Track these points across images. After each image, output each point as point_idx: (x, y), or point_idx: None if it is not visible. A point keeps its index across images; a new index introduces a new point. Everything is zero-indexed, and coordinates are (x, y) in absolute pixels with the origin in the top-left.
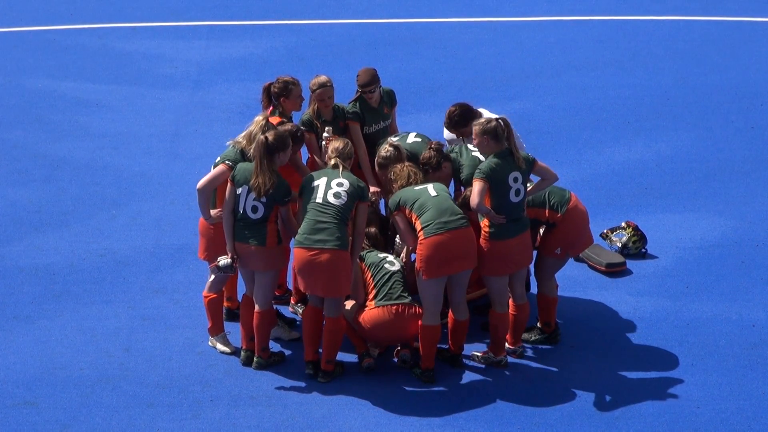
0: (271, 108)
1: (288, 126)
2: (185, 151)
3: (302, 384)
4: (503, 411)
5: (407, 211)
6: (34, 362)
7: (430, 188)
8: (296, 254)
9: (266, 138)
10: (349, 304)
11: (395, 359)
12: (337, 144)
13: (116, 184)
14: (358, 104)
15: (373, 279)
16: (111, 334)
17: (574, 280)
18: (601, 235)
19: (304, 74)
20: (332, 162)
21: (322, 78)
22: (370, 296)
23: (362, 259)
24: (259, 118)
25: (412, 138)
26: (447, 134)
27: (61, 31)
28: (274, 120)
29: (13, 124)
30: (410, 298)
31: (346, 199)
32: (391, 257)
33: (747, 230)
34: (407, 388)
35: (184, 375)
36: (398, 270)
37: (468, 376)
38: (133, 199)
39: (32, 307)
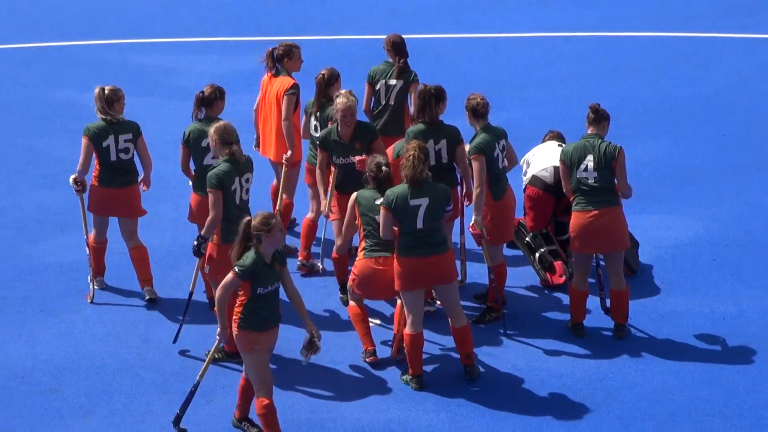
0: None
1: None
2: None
3: (306, 372)
4: (492, 396)
5: (391, 216)
6: (59, 352)
7: (424, 208)
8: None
9: (103, 89)
10: (338, 241)
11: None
12: (219, 125)
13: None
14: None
15: (364, 228)
16: (130, 326)
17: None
18: None
19: (308, 87)
20: (229, 153)
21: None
22: (361, 246)
23: (357, 202)
24: (96, 92)
25: None
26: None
27: (84, 46)
28: (287, 80)
29: (39, 133)
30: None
31: (250, 189)
32: None
33: (718, 231)
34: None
35: (198, 364)
36: None
37: (458, 365)
38: (151, 202)
39: (57, 302)
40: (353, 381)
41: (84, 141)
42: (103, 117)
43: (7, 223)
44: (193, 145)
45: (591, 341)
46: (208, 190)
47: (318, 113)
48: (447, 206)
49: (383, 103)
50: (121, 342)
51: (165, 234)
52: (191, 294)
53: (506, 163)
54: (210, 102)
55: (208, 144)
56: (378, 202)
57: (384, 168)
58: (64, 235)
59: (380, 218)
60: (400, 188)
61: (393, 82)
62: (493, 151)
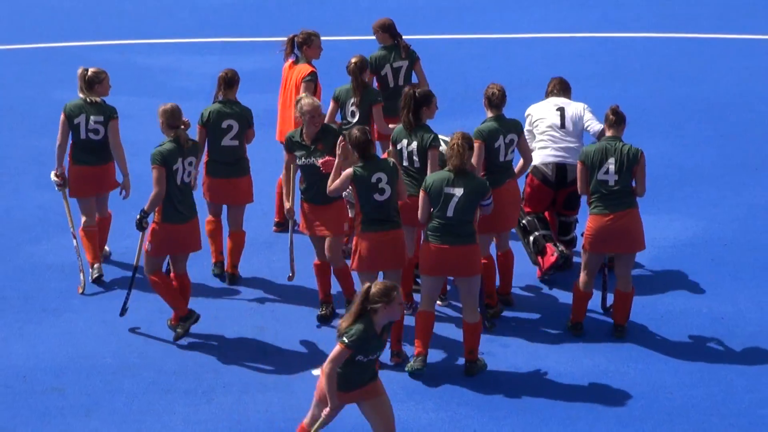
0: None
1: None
2: None
3: (307, 372)
4: (492, 395)
5: (428, 200)
6: (61, 351)
7: (457, 199)
8: (169, 228)
9: (86, 70)
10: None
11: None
12: (166, 107)
13: (136, 188)
14: None
15: (361, 206)
16: (131, 326)
17: (555, 274)
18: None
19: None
20: (174, 135)
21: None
22: (358, 220)
23: (354, 180)
24: (79, 71)
25: None
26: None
27: (86, 46)
28: (305, 68)
29: (41, 133)
30: (393, 221)
31: (194, 171)
32: (384, 180)
33: (716, 230)
34: (403, 375)
35: (199, 363)
36: (387, 198)
37: (457, 365)
38: None
39: (59, 301)
40: None
41: (61, 117)
42: (82, 96)
43: (9, 222)
44: (213, 126)
45: (589, 340)
46: (152, 167)
47: (359, 100)
48: (484, 201)
49: (391, 86)
50: (122, 341)
51: None
52: (135, 268)
53: (511, 158)
54: (231, 83)
55: (228, 125)
56: (375, 177)
57: (366, 129)
58: (66, 235)
59: (419, 201)
60: (440, 174)
61: (399, 63)
62: (495, 141)
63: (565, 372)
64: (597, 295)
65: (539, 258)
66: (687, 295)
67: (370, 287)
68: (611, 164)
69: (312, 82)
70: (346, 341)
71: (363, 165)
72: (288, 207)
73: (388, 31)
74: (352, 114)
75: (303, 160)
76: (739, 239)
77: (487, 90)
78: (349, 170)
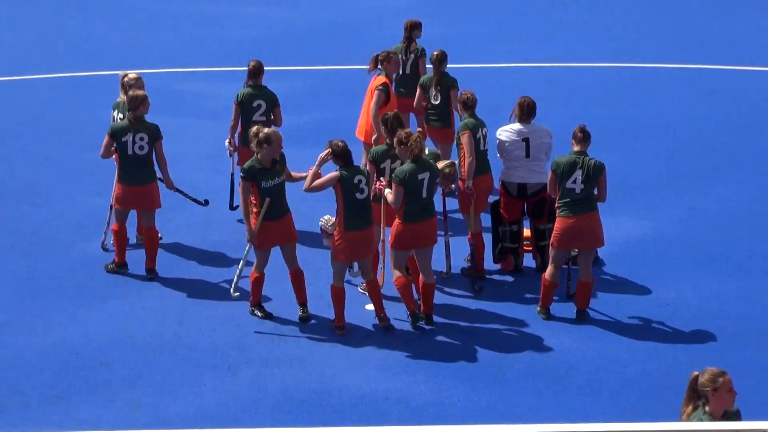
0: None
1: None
2: (225, 168)
3: (317, 348)
4: (472, 369)
5: (403, 190)
6: (108, 332)
7: (426, 180)
8: (126, 188)
9: (125, 75)
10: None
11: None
12: (133, 94)
13: (172, 194)
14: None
15: (345, 205)
16: (168, 310)
17: (528, 268)
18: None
19: (318, 108)
20: (131, 116)
21: None
22: (339, 224)
23: (341, 182)
24: (120, 74)
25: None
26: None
27: None
28: (380, 79)
29: (93, 148)
30: (369, 219)
31: (147, 147)
32: (363, 182)
33: (662, 230)
34: (399, 354)
35: (225, 342)
36: (366, 197)
37: (443, 343)
38: (185, 206)
39: (107, 290)
40: (356, 356)
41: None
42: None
43: (65, 223)
44: (246, 105)
45: (556, 323)
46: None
47: (438, 86)
48: (437, 179)
49: (401, 72)
50: (159, 323)
51: (195, 232)
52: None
53: (487, 148)
54: (258, 72)
55: (257, 104)
56: (356, 179)
57: (341, 142)
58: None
59: (392, 192)
60: (407, 166)
61: (407, 56)
62: (477, 132)
63: (535, 350)
64: (563, 284)
65: (501, 263)
66: (637, 285)
67: (697, 376)
68: (578, 175)
69: (383, 92)
70: None
71: (346, 169)
72: (252, 231)
73: (404, 29)
74: (434, 97)
75: (270, 182)
76: (681, 237)
77: (461, 96)
78: (336, 173)
